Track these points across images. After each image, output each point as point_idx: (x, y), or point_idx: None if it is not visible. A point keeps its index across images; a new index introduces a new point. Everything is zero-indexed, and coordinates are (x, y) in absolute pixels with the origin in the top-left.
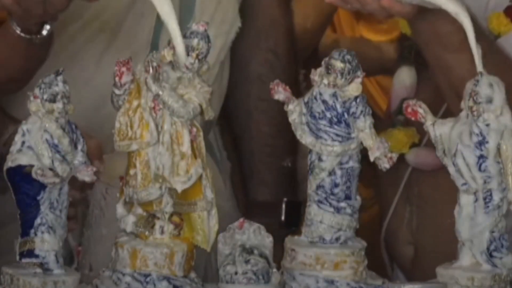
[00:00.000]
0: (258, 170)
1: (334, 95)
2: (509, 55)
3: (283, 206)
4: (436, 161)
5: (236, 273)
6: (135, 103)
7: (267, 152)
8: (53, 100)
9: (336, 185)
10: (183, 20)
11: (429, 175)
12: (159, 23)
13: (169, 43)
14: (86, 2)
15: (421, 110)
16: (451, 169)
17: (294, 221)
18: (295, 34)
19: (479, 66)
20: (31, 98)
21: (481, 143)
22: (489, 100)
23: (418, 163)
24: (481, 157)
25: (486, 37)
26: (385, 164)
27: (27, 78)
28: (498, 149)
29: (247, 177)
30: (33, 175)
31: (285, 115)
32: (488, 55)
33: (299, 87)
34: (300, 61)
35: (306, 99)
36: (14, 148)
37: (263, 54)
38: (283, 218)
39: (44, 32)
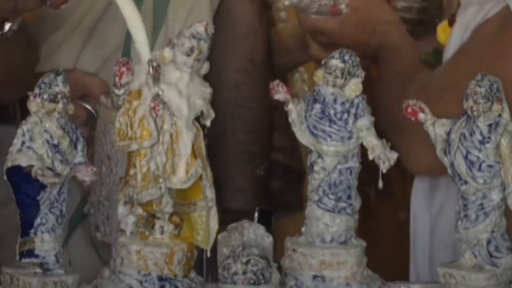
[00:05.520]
0: (233, 177)
1: (334, 95)
2: None
3: (256, 214)
4: None
5: (236, 273)
6: (135, 103)
7: (243, 159)
8: (53, 100)
9: (336, 185)
10: (155, 27)
11: None
12: None
13: (169, 43)
14: (54, 10)
15: (421, 112)
16: (451, 169)
17: (266, 229)
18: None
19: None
20: (31, 98)
21: (481, 143)
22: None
23: None
24: (481, 157)
25: None
26: (384, 164)
27: (18, 81)
28: (498, 148)
29: (221, 184)
30: (33, 175)
31: (261, 122)
32: None
33: None
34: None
35: (306, 99)
36: (14, 148)
37: (240, 61)
38: None
39: (6, 28)
